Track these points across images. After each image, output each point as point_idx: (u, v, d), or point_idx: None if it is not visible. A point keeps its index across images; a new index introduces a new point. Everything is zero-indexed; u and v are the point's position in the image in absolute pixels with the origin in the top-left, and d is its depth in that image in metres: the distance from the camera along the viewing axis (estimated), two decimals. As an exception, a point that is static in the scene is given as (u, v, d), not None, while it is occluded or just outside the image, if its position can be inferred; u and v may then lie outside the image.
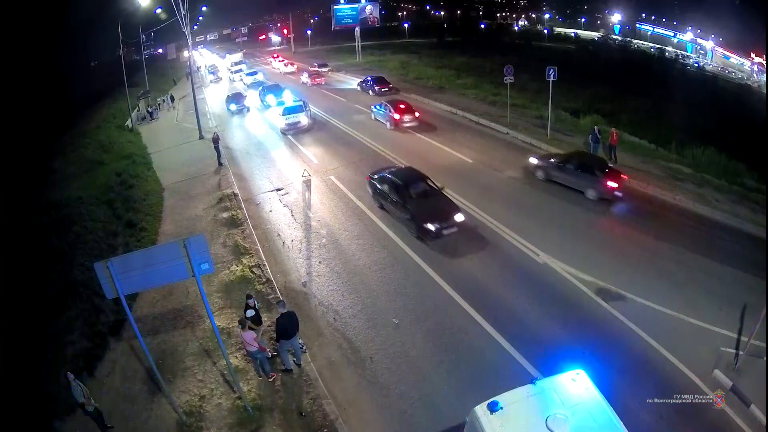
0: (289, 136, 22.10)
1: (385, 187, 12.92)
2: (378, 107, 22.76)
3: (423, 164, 15.31)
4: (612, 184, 13.21)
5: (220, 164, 18.70)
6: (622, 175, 13.66)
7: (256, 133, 24.12)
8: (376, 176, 13.65)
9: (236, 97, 29.57)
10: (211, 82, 46.78)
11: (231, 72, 47.44)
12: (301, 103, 23.76)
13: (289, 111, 22.82)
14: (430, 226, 11.25)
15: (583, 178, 13.78)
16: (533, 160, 15.47)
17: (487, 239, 11.69)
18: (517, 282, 9.98)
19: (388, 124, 21.70)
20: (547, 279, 10.00)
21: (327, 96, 31.52)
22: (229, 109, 29.08)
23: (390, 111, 21.46)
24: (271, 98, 27.41)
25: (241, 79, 41.21)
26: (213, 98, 35.63)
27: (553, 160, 14.94)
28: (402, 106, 21.68)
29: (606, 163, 14.60)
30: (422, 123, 21.63)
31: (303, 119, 22.69)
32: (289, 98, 25.25)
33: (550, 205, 13.37)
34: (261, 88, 31.08)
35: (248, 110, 28.87)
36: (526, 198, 13.98)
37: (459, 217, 11.57)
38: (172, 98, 35.76)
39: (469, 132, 20.83)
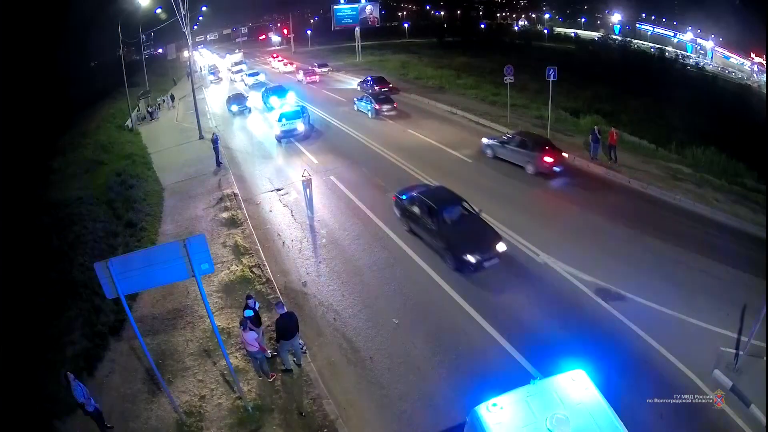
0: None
1: (415, 209, 11.37)
2: (359, 100, 26.06)
3: (415, 159, 15.35)
4: (548, 159, 14.57)
5: (219, 164, 18.62)
6: (561, 153, 15.14)
7: (256, 134, 24.14)
8: (404, 197, 11.95)
9: (238, 98, 29.35)
10: (211, 82, 46.18)
11: (231, 72, 46.91)
12: (298, 108, 23.00)
13: (285, 117, 21.42)
14: (470, 258, 9.74)
15: (523, 155, 15.08)
16: (484, 140, 17.23)
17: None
18: (518, 281, 9.99)
19: (369, 114, 24.51)
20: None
21: (327, 96, 31.54)
22: (230, 110, 28.88)
23: (373, 102, 24.64)
24: (274, 100, 26.97)
25: (242, 80, 40.74)
26: (214, 99, 35.48)
27: (499, 140, 16.73)
28: (382, 97, 25.52)
29: (548, 141, 15.99)
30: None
31: (300, 126, 21.27)
32: (292, 100, 24.96)
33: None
34: (264, 89, 30.56)
35: (250, 111, 28.66)
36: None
37: (501, 247, 10.14)
38: (172, 98, 36.26)
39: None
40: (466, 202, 11.31)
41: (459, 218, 10.82)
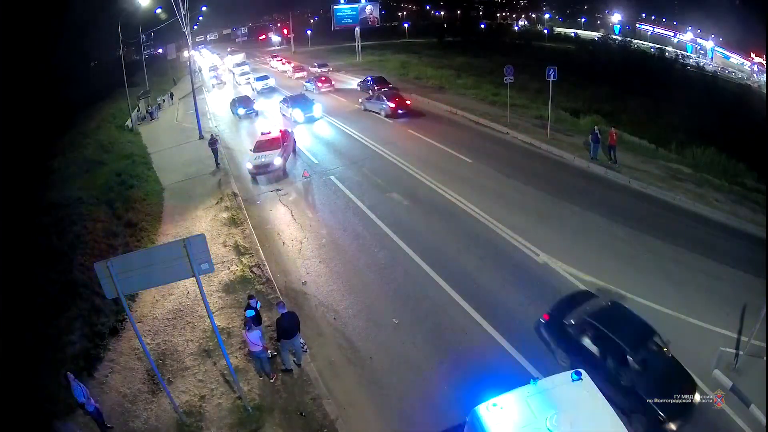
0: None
1: (587, 342, 7.53)
2: (308, 82, 32.81)
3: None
4: (391, 104, 23.17)
5: (218, 165, 18.54)
6: (405, 101, 23.77)
7: (251, 129, 24.10)
8: (572, 320, 7.84)
9: (244, 101, 28.10)
10: (214, 86, 43.21)
11: (235, 75, 43.36)
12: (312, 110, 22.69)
13: (259, 145, 17.64)
14: (673, 427, 6.49)
15: (377, 104, 23.78)
16: (360, 100, 25.93)
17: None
18: (518, 280, 9.99)
19: (315, 90, 30.96)
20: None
21: (327, 96, 31.49)
22: (236, 113, 27.59)
23: (315, 82, 31.35)
24: (297, 113, 23.80)
25: (248, 83, 38.07)
26: (217, 104, 33.27)
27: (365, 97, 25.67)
28: (323, 78, 33.19)
29: (396, 93, 24.70)
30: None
31: (277, 160, 16.68)
32: (318, 112, 23.87)
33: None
34: (284, 99, 26.55)
35: (257, 114, 27.38)
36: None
37: (697, 397, 6.81)
38: (172, 95, 37.71)
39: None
40: (654, 331, 7.43)
41: (651, 358, 7.17)
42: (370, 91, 27.62)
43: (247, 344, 8.00)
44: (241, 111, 27.43)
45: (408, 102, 24.04)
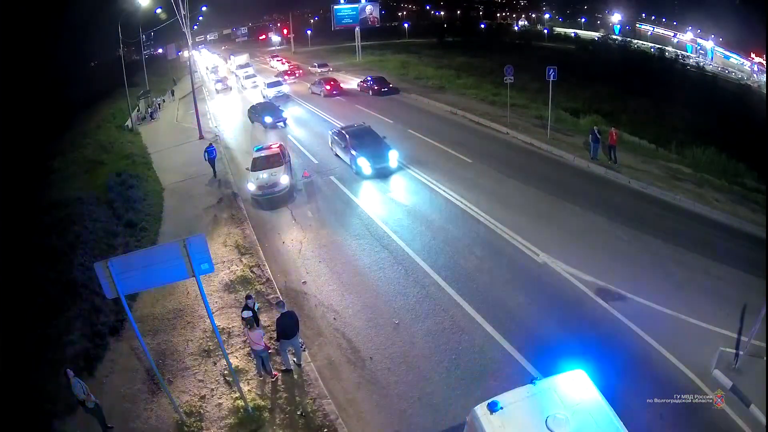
0: (290, 135, 21.90)
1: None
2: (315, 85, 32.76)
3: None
4: (327, 87, 30.64)
5: (215, 175, 17.51)
6: (339, 84, 31.39)
7: (260, 138, 24.10)
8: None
9: (270, 109, 24.50)
10: (218, 92, 38.51)
11: (239, 78, 40.27)
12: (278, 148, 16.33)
13: (260, 161, 15.60)
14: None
15: (317, 87, 31.38)
16: (309, 85, 33.09)
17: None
18: (518, 281, 9.99)
19: (323, 94, 31.19)
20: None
21: (327, 96, 31.50)
22: (263, 122, 23.77)
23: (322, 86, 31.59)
24: (363, 163, 15.72)
25: (255, 86, 35.31)
26: (224, 114, 29.92)
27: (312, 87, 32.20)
28: (289, 71, 40.61)
29: (334, 81, 31.74)
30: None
31: (283, 178, 14.85)
32: (394, 161, 16.12)
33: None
34: (338, 133, 17.70)
35: (286, 124, 23.80)
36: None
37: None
38: (173, 92, 39.57)
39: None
40: None
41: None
42: (317, 79, 34.83)
43: (248, 344, 7.99)
44: (269, 120, 23.51)
45: (341, 86, 31.70)
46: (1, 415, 6.59)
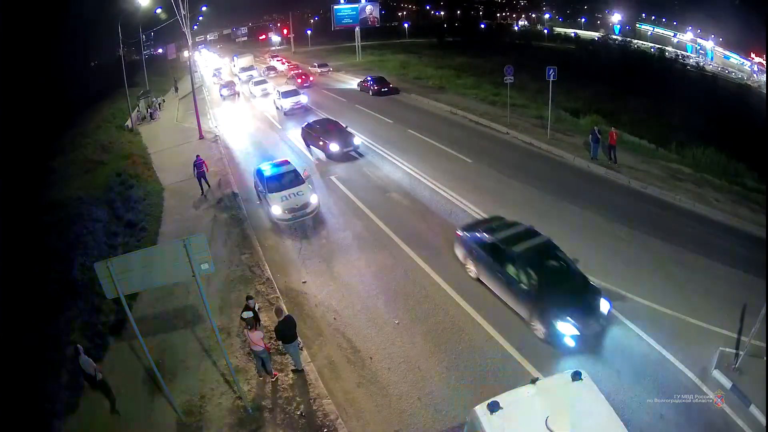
0: (288, 133, 21.76)
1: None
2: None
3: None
4: (301, 80, 34.59)
5: (203, 192, 15.84)
6: (310, 78, 35.95)
7: (263, 141, 24.10)
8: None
9: (336, 132, 18.30)
10: (223, 98, 34.77)
11: (243, 83, 37.73)
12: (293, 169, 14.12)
13: (278, 179, 13.54)
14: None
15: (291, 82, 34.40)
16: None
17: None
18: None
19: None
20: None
21: (327, 96, 31.53)
22: (329, 152, 17.72)
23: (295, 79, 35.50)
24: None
25: (265, 93, 32.18)
26: (233, 132, 24.80)
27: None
28: (298, 75, 37.23)
29: (302, 72, 36.93)
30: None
31: (312, 197, 13.16)
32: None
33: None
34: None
35: (357, 149, 18.18)
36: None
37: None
38: (176, 89, 40.91)
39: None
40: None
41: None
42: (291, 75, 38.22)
43: (248, 344, 7.99)
44: (335, 148, 17.45)
45: (311, 78, 36.60)
46: (1, 415, 6.58)
